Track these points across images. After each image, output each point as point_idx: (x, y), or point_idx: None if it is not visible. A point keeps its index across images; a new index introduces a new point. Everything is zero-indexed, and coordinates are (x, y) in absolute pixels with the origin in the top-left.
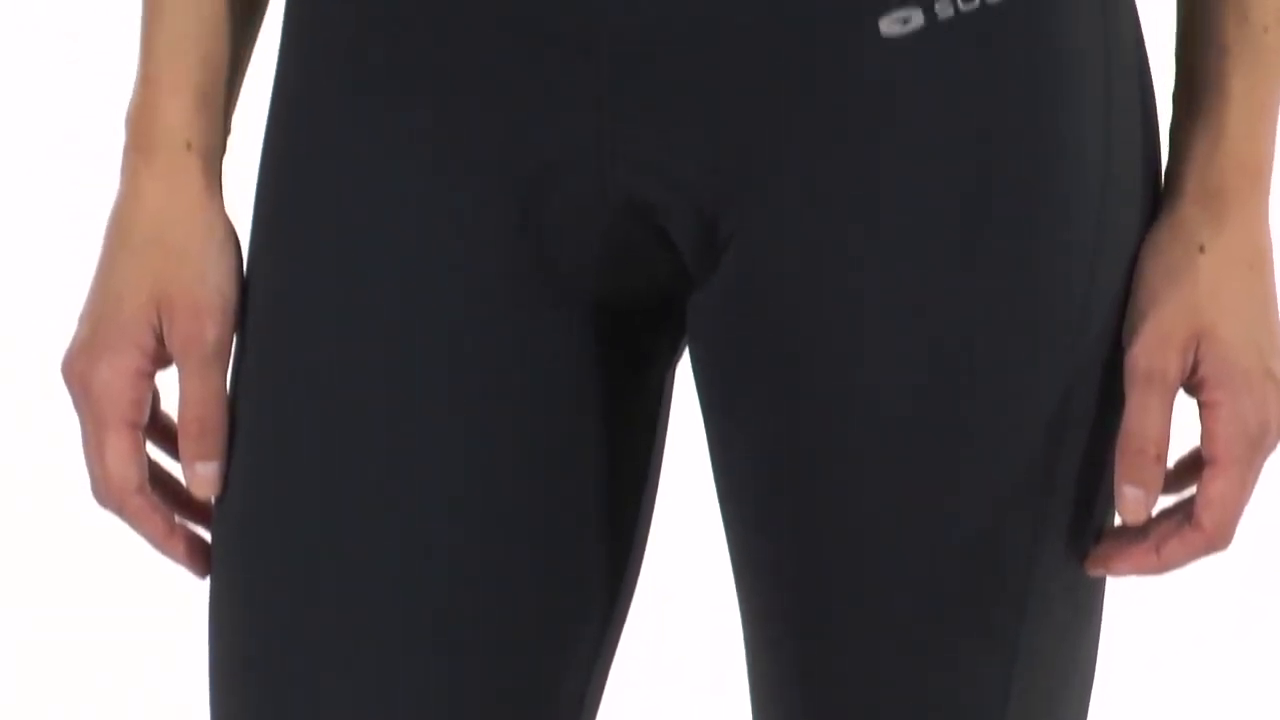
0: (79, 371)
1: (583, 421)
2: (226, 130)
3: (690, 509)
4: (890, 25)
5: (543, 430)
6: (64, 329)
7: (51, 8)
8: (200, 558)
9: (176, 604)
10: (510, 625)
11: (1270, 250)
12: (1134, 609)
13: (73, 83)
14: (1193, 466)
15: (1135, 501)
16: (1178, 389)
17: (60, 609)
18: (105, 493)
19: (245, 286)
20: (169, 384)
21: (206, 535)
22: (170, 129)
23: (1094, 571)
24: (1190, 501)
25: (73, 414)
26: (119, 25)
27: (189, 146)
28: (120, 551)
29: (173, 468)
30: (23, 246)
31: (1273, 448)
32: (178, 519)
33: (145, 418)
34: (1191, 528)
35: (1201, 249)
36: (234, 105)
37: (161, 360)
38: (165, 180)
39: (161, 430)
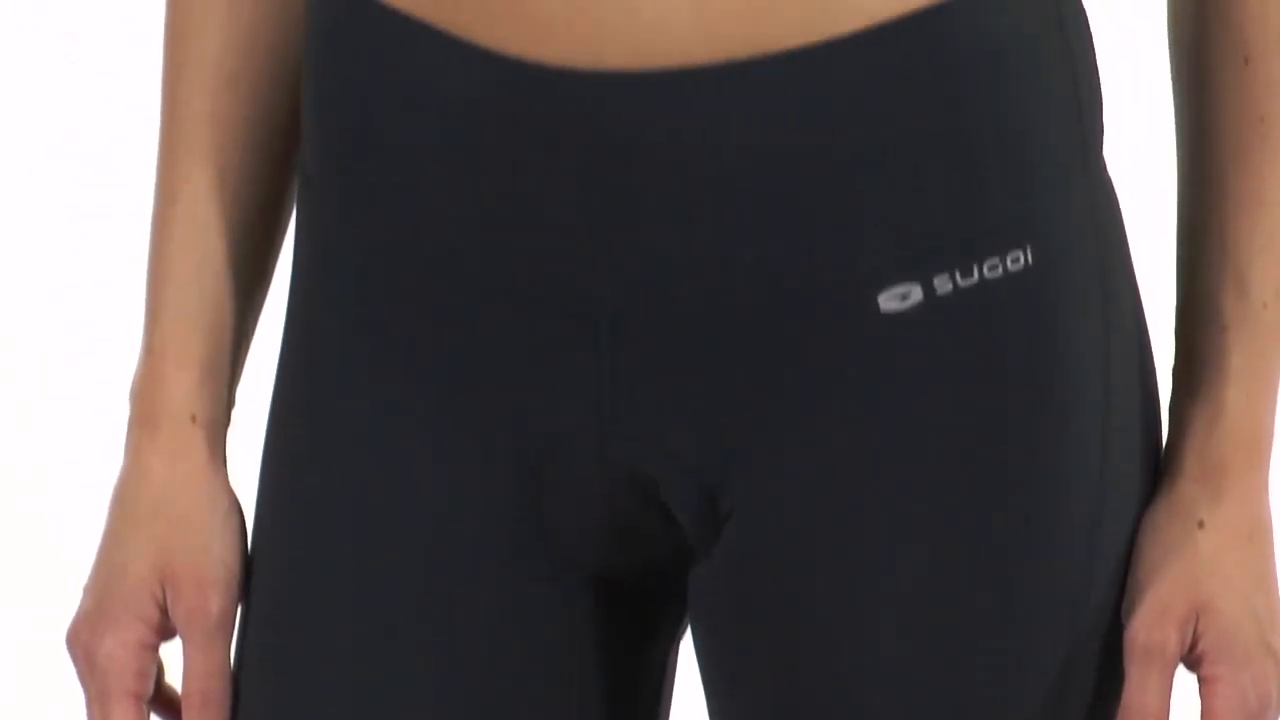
0: (84, 642)
1: (582, 700)
2: (231, 402)
3: None
4: (889, 301)
5: (541, 706)
6: (64, 329)
7: (51, 8)
8: None
9: None
10: None
11: (1270, 522)
12: None
13: (73, 83)
14: None
15: None
16: (1177, 664)
17: (60, 609)
18: None
19: (249, 558)
20: (173, 652)
21: None
22: (174, 403)
23: None
24: None
25: (72, 413)
26: (119, 25)
27: (193, 419)
28: None
29: None
30: (23, 246)
31: None
32: None
33: (149, 689)
34: None
35: (1201, 524)
36: (239, 377)
37: (166, 632)
38: (169, 454)
39: (165, 701)
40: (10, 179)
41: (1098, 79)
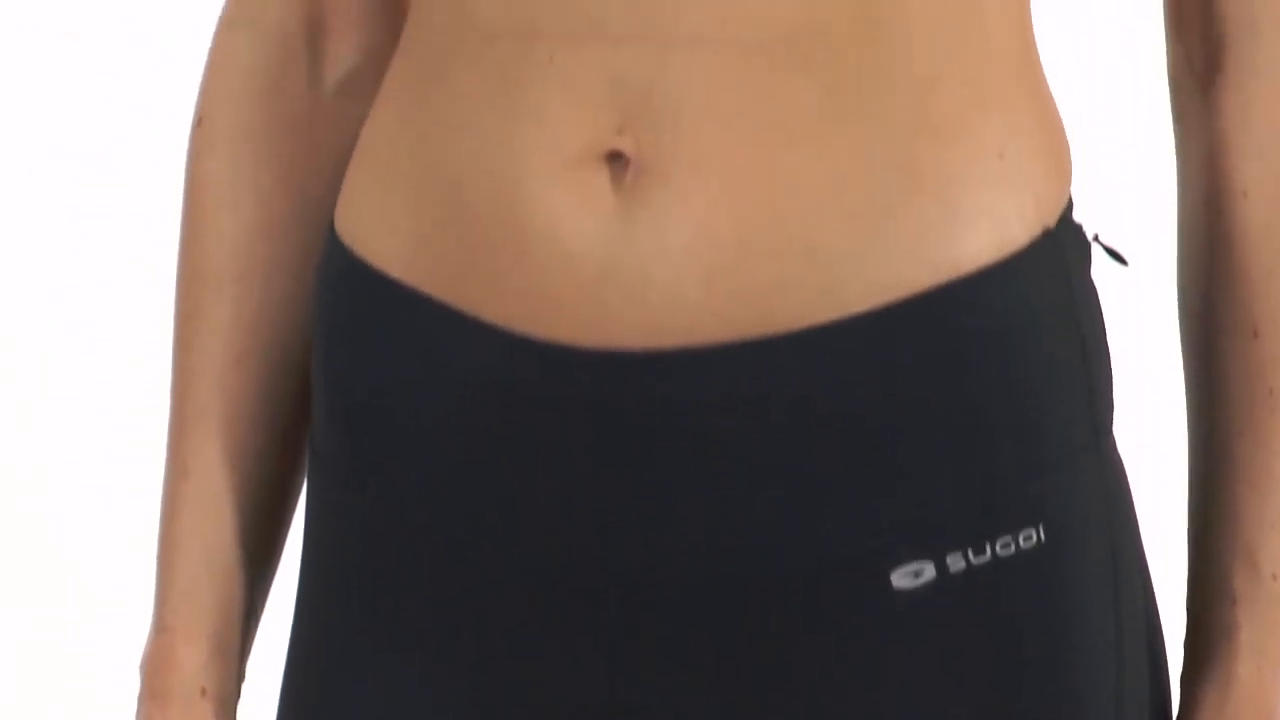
0: None
1: None
2: (241, 675)
3: None
4: (902, 579)
5: None
6: (64, 329)
7: (51, 8)
8: None
9: None
10: None
11: None
12: None
13: (73, 83)
14: None
15: None
16: None
17: (60, 609)
18: None
19: None
20: None
21: None
22: (185, 677)
23: None
24: None
25: (72, 413)
26: (119, 25)
27: (203, 693)
28: (120, 552)
29: None
30: (23, 246)
31: None
32: None
33: None
34: None
35: None
36: (249, 649)
37: None
38: None
39: None
40: (10, 179)
41: (1108, 354)
